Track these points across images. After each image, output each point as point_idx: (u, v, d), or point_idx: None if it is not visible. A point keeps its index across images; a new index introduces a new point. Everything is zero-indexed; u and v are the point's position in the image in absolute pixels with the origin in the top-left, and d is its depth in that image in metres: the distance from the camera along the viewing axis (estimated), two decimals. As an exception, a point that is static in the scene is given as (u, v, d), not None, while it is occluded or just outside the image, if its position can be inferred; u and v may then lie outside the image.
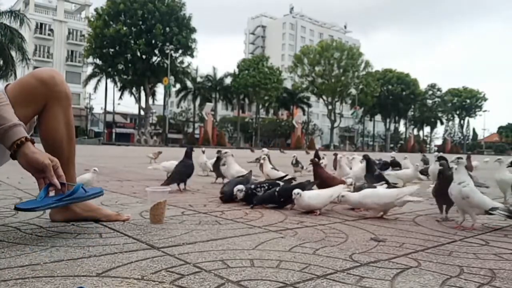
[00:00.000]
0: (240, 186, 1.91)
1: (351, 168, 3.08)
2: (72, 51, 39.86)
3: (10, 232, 1.21)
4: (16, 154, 1.08)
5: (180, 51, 32.68)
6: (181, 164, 2.49)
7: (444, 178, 1.70)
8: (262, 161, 3.08)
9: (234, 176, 2.55)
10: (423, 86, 51.77)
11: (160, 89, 35.82)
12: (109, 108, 36.73)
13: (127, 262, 0.94)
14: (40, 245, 1.08)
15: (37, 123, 1.32)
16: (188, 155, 2.48)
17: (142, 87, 33.57)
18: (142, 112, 34.75)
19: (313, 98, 46.57)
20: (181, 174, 2.43)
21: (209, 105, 35.95)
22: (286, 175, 2.45)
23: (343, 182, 2.13)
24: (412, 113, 52.67)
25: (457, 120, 56.50)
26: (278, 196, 1.85)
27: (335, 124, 43.60)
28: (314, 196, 1.77)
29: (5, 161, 1.32)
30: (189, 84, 37.63)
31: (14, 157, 1.10)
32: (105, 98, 34.66)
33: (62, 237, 1.18)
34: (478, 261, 1.07)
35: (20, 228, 1.27)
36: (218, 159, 3.04)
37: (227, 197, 1.98)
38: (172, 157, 3.94)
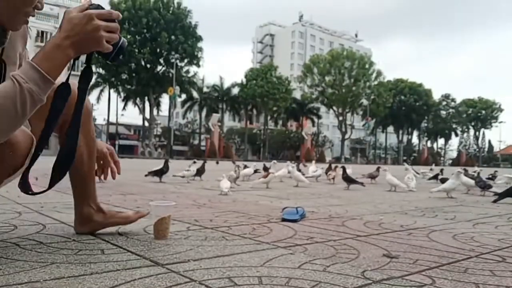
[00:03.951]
0: None
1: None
2: (74, 60, 40.29)
3: (9, 248, 1.19)
4: None
5: (185, 60, 32.70)
6: None
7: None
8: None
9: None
10: (436, 96, 51.36)
11: (165, 99, 35.72)
12: (112, 119, 36.95)
13: (130, 280, 0.91)
14: (40, 261, 1.06)
15: (59, 138, 1.28)
16: None
17: (146, 98, 33.49)
18: (146, 124, 34.67)
19: (323, 109, 46.53)
20: None
21: (215, 116, 35.93)
22: None
23: None
24: (426, 124, 52.12)
25: (472, 131, 55.68)
26: None
27: (346, 136, 43.35)
28: None
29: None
30: (195, 94, 37.78)
31: None
32: (108, 108, 34.93)
33: (63, 253, 1.16)
34: (494, 278, 1.02)
35: (19, 244, 1.25)
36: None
37: None
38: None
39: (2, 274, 0.94)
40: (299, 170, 6.00)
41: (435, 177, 5.99)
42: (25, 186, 1.10)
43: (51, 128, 1.02)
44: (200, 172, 4.88)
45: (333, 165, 5.80)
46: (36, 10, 1.00)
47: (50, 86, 0.90)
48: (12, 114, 0.85)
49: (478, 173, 4.16)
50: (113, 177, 1.37)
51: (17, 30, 1.03)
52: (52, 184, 1.08)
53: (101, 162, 1.38)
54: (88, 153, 1.31)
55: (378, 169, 5.57)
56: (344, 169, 4.66)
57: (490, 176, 6.40)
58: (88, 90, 1.05)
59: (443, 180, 4.73)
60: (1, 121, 0.85)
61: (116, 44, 0.97)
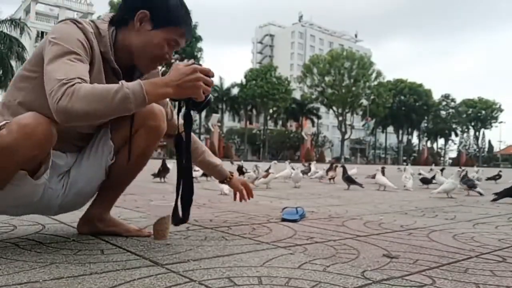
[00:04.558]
0: None
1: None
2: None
3: (8, 248, 1.19)
4: (228, 183, 1.71)
5: (185, 61, 32.89)
6: None
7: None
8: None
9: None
10: (436, 96, 51.34)
11: (164, 99, 35.98)
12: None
13: (130, 280, 0.91)
14: (40, 261, 1.05)
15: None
16: None
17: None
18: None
19: (322, 109, 46.51)
20: None
21: (215, 116, 35.88)
22: None
23: None
24: (426, 124, 52.09)
25: (472, 131, 55.69)
26: None
27: (346, 136, 43.31)
28: None
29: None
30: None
31: (222, 182, 1.72)
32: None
33: (62, 253, 1.15)
34: (495, 278, 1.02)
35: (19, 244, 1.25)
36: None
37: None
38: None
39: (1, 274, 0.93)
40: (305, 172, 5.95)
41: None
42: (177, 218, 1.31)
43: (180, 165, 1.29)
44: None
45: (334, 165, 5.79)
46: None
47: (142, 104, 1.05)
48: (107, 102, 1.01)
49: (467, 172, 4.19)
50: (246, 201, 1.75)
51: (147, 73, 1.32)
52: (186, 216, 1.30)
53: (237, 193, 1.72)
54: (131, 172, 1.39)
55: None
56: (344, 169, 4.65)
57: (496, 177, 6.54)
58: (191, 132, 1.29)
59: (423, 180, 4.85)
60: (97, 105, 1.01)
61: (206, 96, 1.15)
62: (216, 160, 1.66)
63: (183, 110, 1.21)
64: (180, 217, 1.30)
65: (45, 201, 1.22)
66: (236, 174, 1.87)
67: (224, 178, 1.69)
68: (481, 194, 3.68)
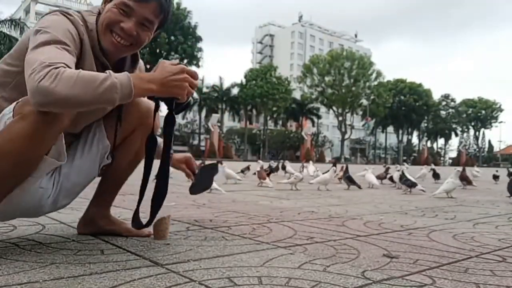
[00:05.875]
0: None
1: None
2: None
3: (8, 249, 1.19)
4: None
5: (185, 61, 32.75)
6: None
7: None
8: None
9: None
10: (436, 96, 51.36)
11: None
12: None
13: (130, 280, 0.91)
14: (40, 262, 1.05)
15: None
16: None
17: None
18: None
19: (323, 109, 46.51)
20: None
21: (215, 116, 35.95)
22: None
23: None
24: (426, 124, 52.10)
25: (472, 131, 55.72)
26: None
27: (346, 136, 43.30)
28: None
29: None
30: (194, 94, 37.75)
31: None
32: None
33: (62, 253, 1.15)
34: (495, 278, 1.02)
35: (19, 244, 1.25)
36: None
37: None
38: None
39: (1, 274, 0.93)
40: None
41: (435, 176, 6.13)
42: (138, 222, 1.27)
43: (148, 166, 1.27)
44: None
45: (339, 165, 5.77)
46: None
47: (128, 96, 0.99)
48: (92, 89, 0.94)
49: (403, 172, 4.17)
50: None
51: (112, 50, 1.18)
52: (153, 215, 1.26)
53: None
54: (129, 170, 1.41)
55: (387, 170, 5.60)
56: (346, 168, 4.65)
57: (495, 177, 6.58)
58: (173, 133, 1.23)
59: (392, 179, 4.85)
60: (81, 91, 0.93)
61: (187, 98, 1.13)
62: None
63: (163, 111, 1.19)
64: (141, 222, 1.26)
65: (36, 201, 1.15)
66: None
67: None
68: (424, 191, 3.72)
